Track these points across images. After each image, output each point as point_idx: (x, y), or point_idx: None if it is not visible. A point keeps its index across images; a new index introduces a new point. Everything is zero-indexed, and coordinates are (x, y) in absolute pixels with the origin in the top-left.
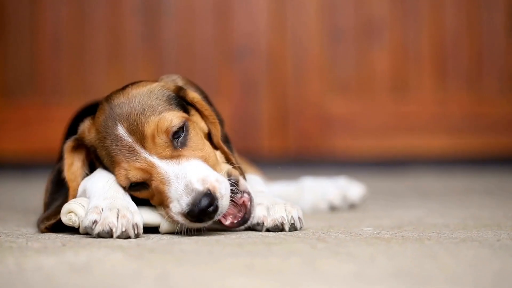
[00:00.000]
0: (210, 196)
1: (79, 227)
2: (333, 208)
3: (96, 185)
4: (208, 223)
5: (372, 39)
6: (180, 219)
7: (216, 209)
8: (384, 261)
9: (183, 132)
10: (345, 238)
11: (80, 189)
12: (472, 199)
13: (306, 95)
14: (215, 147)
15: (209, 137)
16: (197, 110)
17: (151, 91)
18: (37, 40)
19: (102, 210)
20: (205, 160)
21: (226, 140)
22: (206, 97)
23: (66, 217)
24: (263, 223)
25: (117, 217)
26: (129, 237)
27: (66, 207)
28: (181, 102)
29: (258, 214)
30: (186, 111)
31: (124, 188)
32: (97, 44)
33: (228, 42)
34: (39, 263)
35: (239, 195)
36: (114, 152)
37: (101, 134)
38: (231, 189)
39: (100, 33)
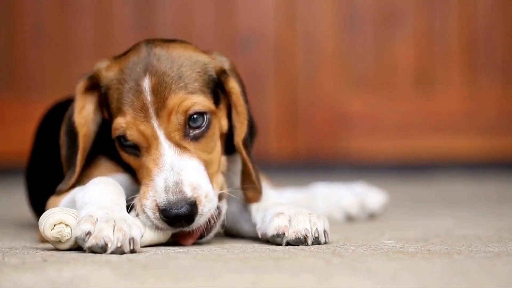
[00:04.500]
0: (193, 208)
1: (65, 242)
2: (349, 218)
3: (90, 194)
4: (173, 230)
5: (393, 27)
6: (149, 212)
7: (190, 222)
8: (407, 278)
9: (202, 125)
10: (363, 252)
11: (68, 198)
12: (507, 207)
13: (318, 91)
14: (226, 151)
15: (227, 139)
16: (228, 104)
17: (197, 61)
18: (14, 29)
19: (97, 221)
20: (207, 165)
21: (247, 144)
22: (244, 93)
23: (55, 230)
24: (284, 234)
25: (113, 230)
26: (123, 253)
27: (52, 218)
28: (217, 88)
29: (279, 224)
30: (217, 101)
31: (115, 139)
32: (83, 34)
33: (231, 31)
34: (17, 280)
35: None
36: (126, 100)
37: (123, 75)
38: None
39: (86, 22)
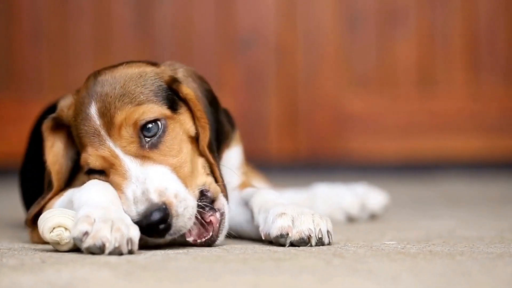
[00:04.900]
0: (163, 212)
1: (63, 245)
2: (350, 219)
3: (87, 194)
4: (164, 240)
5: (395, 26)
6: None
7: (168, 227)
8: (409, 279)
9: (158, 132)
10: (364, 253)
11: (64, 199)
12: (510, 208)
13: (319, 91)
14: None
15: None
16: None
17: (141, 76)
18: (12, 28)
19: (95, 221)
20: (175, 169)
21: (213, 149)
22: (208, 97)
23: (54, 233)
24: (287, 235)
25: (111, 231)
26: (121, 254)
27: (51, 220)
28: (173, 96)
29: (282, 224)
30: (174, 107)
31: (85, 174)
32: (81, 34)
33: (231, 31)
34: (16, 282)
35: (208, 214)
36: (81, 133)
37: (76, 111)
38: (203, 205)
39: (85, 21)
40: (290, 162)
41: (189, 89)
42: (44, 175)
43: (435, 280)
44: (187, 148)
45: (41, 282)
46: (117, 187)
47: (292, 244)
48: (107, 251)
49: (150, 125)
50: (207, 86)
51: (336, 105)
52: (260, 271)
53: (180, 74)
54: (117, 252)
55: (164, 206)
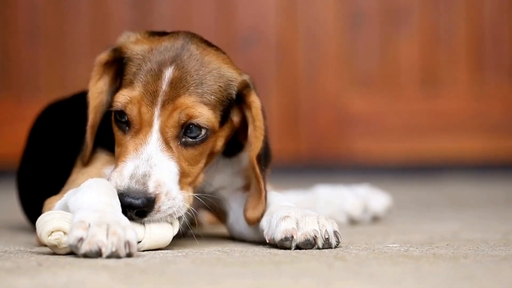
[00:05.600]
0: (149, 202)
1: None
2: (352, 221)
3: (82, 198)
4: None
5: (398, 25)
6: None
7: (142, 216)
8: (412, 283)
9: (197, 139)
10: (367, 256)
11: (61, 202)
12: None
13: (321, 91)
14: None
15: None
16: (232, 128)
17: (223, 75)
18: (9, 28)
19: (90, 226)
20: (183, 174)
21: (261, 161)
22: (263, 110)
23: (52, 237)
24: (292, 237)
25: (107, 234)
26: (119, 257)
27: (50, 224)
28: (230, 108)
29: (286, 227)
30: (223, 121)
31: (112, 111)
32: (78, 33)
33: (231, 29)
34: (12, 285)
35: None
36: (141, 78)
37: (149, 55)
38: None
39: (82, 20)
40: (291, 163)
41: (256, 98)
42: (43, 175)
43: (438, 283)
44: (202, 163)
45: (37, 285)
46: (124, 151)
47: (298, 247)
48: (104, 255)
49: (196, 129)
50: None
51: (338, 105)
52: (261, 274)
53: (249, 80)
54: (114, 256)
55: (153, 197)
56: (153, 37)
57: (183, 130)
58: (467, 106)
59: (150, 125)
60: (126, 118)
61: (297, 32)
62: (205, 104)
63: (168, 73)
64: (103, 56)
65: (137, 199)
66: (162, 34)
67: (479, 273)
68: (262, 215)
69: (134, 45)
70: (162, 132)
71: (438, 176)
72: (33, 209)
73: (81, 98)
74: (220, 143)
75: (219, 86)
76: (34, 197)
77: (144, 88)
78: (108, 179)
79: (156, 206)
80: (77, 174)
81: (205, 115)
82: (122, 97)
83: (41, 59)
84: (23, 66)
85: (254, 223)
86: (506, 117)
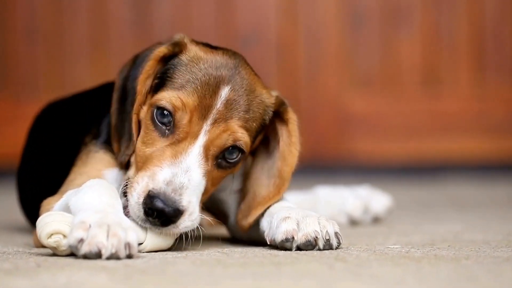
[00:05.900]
0: (177, 215)
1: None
2: (353, 222)
3: (83, 199)
4: (145, 224)
5: (399, 24)
6: (134, 194)
7: (164, 225)
8: (413, 284)
9: (231, 161)
10: (368, 258)
11: (62, 203)
12: None
13: (321, 90)
14: None
15: None
16: (249, 152)
17: (262, 102)
18: (7, 27)
19: (90, 227)
20: (205, 192)
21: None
22: (298, 123)
23: (51, 239)
24: (293, 238)
25: (107, 236)
26: (119, 259)
27: (50, 227)
28: (263, 130)
29: (287, 228)
30: (255, 138)
31: (154, 106)
32: (77, 32)
33: (231, 28)
34: (10, 286)
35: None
36: (198, 88)
37: (206, 65)
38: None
39: (81, 20)
40: None
41: (293, 114)
42: (42, 175)
43: (440, 285)
44: (221, 184)
45: (36, 286)
46: (160, 156)
47: (299, 248)
48: (103, 257)
49: (235, 154)
50: None
51: (338, 105)
52: (261, 275)
53: (280, 96)
54: (114, 257)
55: (182, 211)
56: (202, 45)
57: (223, 151)
58: (468, 107)
59: (195, 137)
60: (171, 122)
61: (298, 32)
62: (247, 130)
63: (225, 92)
64: (163, 49)
65: (169, 206)
66: (207, 45)
67: (481, 275)
68: (249, 226)
69: (192, 45)
70: (206, 148)
71: (439, 177)
72: (32, 209)
73: (80, 98)
74: (239, 169)
75: (260, 113)
76: (33, 197)
77: (200, 99)
78: (129, 178)
79: (178, 222)
80: (76, 174)
81: (247, 142)
82: (175, 99)
83: (40, 59)
84: (22, 66)
85: (247, 230)
86: (508, 118)
